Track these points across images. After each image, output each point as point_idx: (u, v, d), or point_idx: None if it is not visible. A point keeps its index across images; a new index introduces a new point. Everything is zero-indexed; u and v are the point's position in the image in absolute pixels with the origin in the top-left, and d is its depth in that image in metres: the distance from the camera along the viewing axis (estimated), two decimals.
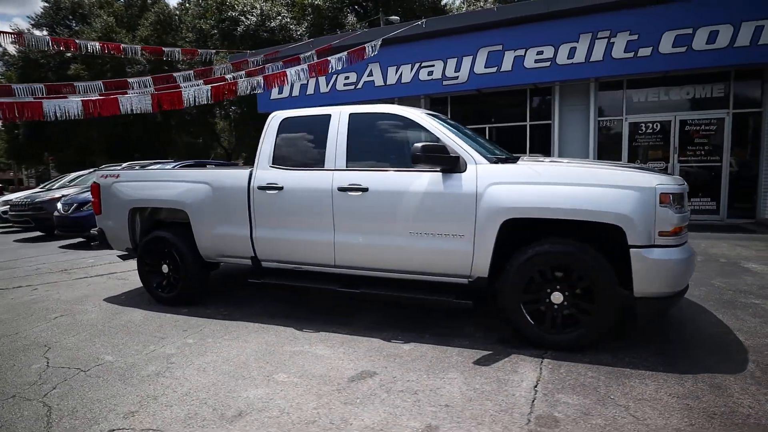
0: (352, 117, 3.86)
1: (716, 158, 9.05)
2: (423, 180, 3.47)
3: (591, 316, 3.14)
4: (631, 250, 2.98)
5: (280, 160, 4.03)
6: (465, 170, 3.38)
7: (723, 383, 2.76)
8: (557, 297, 3.21)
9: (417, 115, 3.69)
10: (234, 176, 4.16)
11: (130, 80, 8.81)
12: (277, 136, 4.08)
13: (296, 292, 4.81)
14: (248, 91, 8.16)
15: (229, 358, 3.31)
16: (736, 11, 7.82)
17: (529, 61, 9.48)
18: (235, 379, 2.97)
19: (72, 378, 3.07)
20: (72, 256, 7.81)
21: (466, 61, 10.07)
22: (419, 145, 3.28)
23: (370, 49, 9.04)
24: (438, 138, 3.52)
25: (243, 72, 9.32)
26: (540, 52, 9.35)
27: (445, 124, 3.70)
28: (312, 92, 11.87)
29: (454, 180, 3.38)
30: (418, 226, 3.48)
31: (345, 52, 9.00)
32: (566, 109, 10.00)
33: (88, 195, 8.95)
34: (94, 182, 4.86)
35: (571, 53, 9.09)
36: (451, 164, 3.37)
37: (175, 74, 9.28)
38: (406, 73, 10.77)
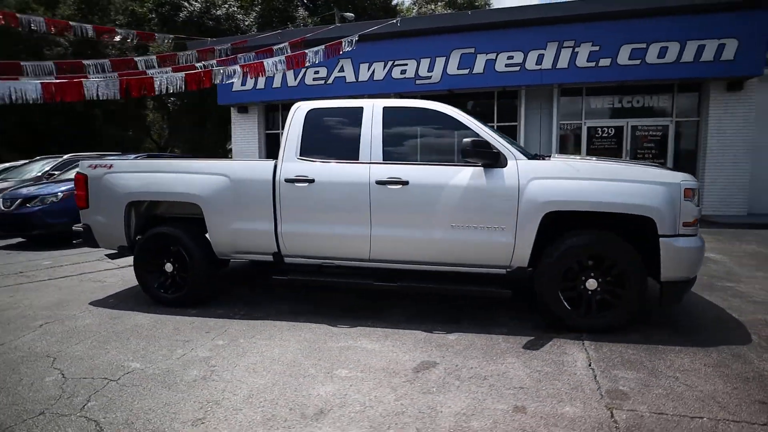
0: (386, 111, 3.83)
1: (661, 161, 10.02)
2: (465, 174, 3.54)
3: (622, 300, 3.38)
4: (661, 239, 3.25)
5: (308, 152, 3.89)
6: (506, 165, 3.49)
7: (741, 353, 3.11)
8: (592, 284, 3.42)
9: (455, 111, 3.75)
10: (256, 168, 3.96)
11: (85, 62, 8.02)
12: (303, 127, 3.95)
13: (308, 289, 4.68)
14: (225, 80, 7.80)
15: (275, 357, 3.15)
16: (683, 30, 8.71)
17: (500, 65, 9.90)
18: (295, 378, 2.85)
19: (104, 389, 2.77)
20: (20, 257, 6.95)
21: (440, 62, 10.29)
22: (470, 140, 3.35)
23: (347, 44, 8.97)
24: (478, 134, 3.60)
25: (214, 61, 8.83)
26: (510, 57, 9.79)
27: (481, 122, 3.79)
28: (278, 85, 11.50)
29: (497, 174, 3.48)
30: (460, 218, 3.53)
31: (322, 46, 8.86)
32: (531, 112, 10.56)
33: (32, 189, 8.05)
34: (79, 173, 4.39)
35: (539, 59, 9.61)
36: (495, 159, 3.47)
37: (136, 58, 8.59)
38: (379, 71, 10.79)
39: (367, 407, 2.50)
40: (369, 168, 3.70)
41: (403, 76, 10.64)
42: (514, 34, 9.69)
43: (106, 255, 4.79)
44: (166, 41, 9.19)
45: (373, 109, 3.85)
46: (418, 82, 10.55)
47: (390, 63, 10.66)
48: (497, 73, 9.96)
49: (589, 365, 2.95)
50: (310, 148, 3.91)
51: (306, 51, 8.79)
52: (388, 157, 3.73)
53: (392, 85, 10.79)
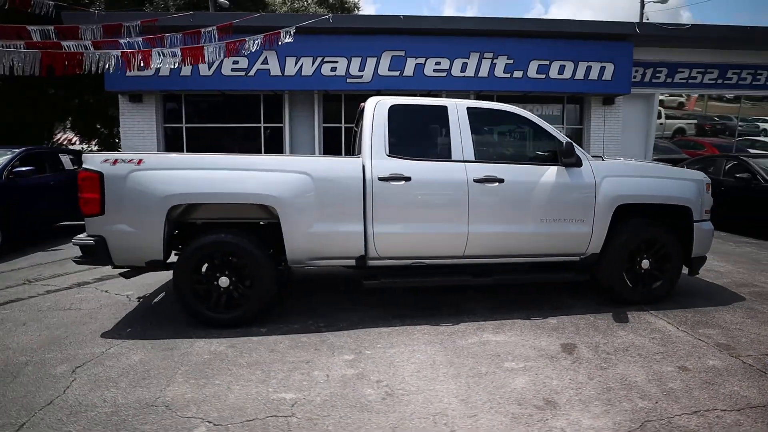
0: (470, 111, 3.94)
1: None
2: (551, 172, 3.89)
3: (666, 275, 4.16)
4: (695, 224, 4.12)
5: (396, 149, 3.76)
6: (582, 165, 3.95)
7: (751, 306, 4.12)
8: (645, 264, 4.11)
9: (532, 115, 4.07)
10: (343, 165, 3.67)
11: None
12: (388, 124, 3.80)
13: (354, 293, 4.47)
14: (166, 65, 6.77)
15: (428, 362, 3.04)
16: (576, 53, 10.56)
17: (429, 70, 10.51)
18: (478, 377, 2.83)
19: (293, 427, 2.35)
20: None
21: (371, 62, 10.42)
22: (569, 141, 3.72)
23: (286, 35, 8.55)
24: (555, 137, 3.99)
25: (139, 39, 7.43)
26: (438, 63, 10.48)
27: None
28: (188, 74, 10.12)
29: (576, 173, 3.92)
30: (548, 213, 3.87)
31: (260, 35, 8.31)
32: None
33: None
34: (89, 170, 3.42)
35: (463, 67, 10.52)
36: (577, 159, 3.90)
37: (30, 28, 6.71)
38: (308, 66, 10.39)
39: (580, 389, 2.67)
40: (465, 166, 3.78)
41: (333, 73, 10.47)
42: (441, 42, 10.40)
43: (121, 274, 3.81)
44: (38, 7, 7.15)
45: (457, 109, 3.92)
46: (349, 80, 10.51)
47: (319, 59, 10.37)
48: (426, 77, 10.56)
49: (678, 329, 3.60)
50: (397, 145, 3.79)
51: (245, 38, 8.12)
52: (477, 156, 3.86)
53: (322, 82, 10.52)
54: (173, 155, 3.67)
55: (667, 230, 4.10)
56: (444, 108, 3.93)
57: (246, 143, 11.52)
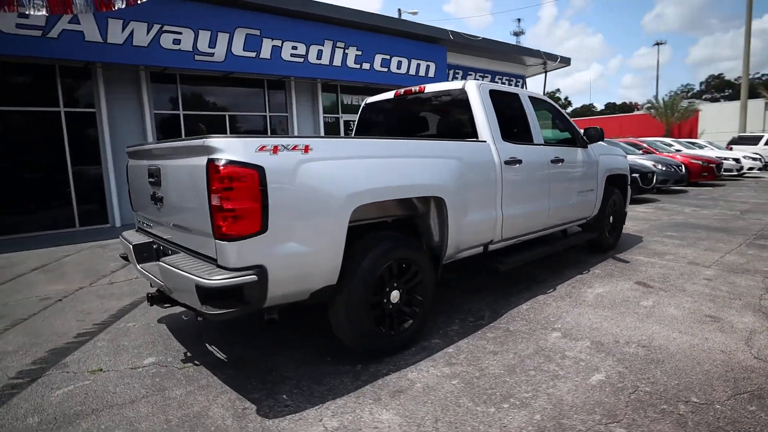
0: (531, 99, 4.40)
1: None
2: (580, 153, 4.79)
3: (619, 225, 5.75)
4: (628, 186, 5.83)
5: (504, 133, 3.89)
6: (587, 147, 5.01)
7: (652, 239, 6.16)
8: (611, 219, 5.59)
9: (555, 104, 4.83)
10: (480, 149, 3.56)
11: None
12: (494, 108, 3.86)
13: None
14: (32, 11, 4.63)
15: (606, 318, 3.49)
16: (411, 51, 11.86)
17: (286, 54, 9.82)
18: (649, 316, 3.47)
19: (671, 388, 2.49)
20: None
21: (222, 38, 8.95)
22: (599, 128, 4.68)
23: None
24: (572, 123, 4.90)
25: None
26: (295, 47, 9.91)
27: None
28: None
29: (588, 153, 4.96)
30: (581, 186, 4.79)
31: None
32: (300, 105, 11.05)
33: None
34: (241, 165, 2.24)
35: (319, 54, 10.30)
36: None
37: None
38: (141, 34, 8.07)
39: (704, 304, 3.68)
40: (544, 149, 4.25)
41: (177, 47, 8.50)
42: (297, 25, 9.84)
43: (268, 321, 2.58)
44: None
45: (523, 96, 4.32)
46: (198, 57, 8.76)
47: (158, 27, 8.23)
48: (284, 62, 9.85)
49: (659, 260, 5.13)
50: (504, 129, 3.92)
51: None
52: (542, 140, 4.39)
53: (162, 57, 8.39)
54: (342, 139, 2.75)
55: (618, 193, 5.66)
56: (517, 95, 4.26)
57: (39, 133, 8.09)
